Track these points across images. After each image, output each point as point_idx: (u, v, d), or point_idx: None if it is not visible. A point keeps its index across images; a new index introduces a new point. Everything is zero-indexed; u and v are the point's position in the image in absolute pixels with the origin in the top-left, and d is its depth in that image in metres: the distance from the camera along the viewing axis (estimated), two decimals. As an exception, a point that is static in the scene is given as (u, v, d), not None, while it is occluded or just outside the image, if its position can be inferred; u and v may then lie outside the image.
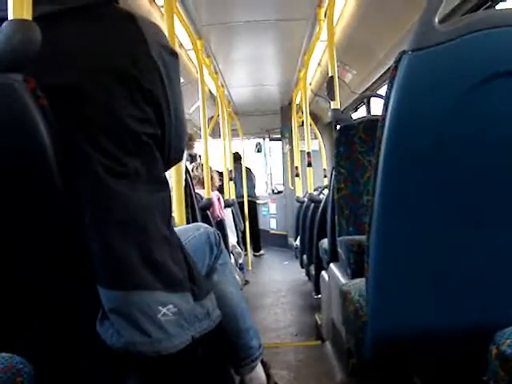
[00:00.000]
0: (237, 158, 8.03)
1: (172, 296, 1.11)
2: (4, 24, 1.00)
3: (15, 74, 0.97)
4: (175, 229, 1.38)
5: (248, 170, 8.40)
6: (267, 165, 10.07)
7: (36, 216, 1.04)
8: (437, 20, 1.07)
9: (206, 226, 1.80)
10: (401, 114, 1.10)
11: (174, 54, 1.22)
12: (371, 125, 2.45)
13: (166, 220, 1.18)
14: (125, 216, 1.08)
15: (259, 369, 1.94)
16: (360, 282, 1.52)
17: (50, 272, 1.07)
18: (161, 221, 1.15)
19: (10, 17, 1.02)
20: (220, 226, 4.05)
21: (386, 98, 1.12)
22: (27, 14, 1.03)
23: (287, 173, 8.86)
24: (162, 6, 3.51)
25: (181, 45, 4.84)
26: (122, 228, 1.08)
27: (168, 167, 1.37)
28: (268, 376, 2.00)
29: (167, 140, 1.24)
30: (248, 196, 7.87)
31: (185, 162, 3.11)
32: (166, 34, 2.45)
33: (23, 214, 1.03)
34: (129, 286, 1.07)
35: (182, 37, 4.53)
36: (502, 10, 1.74)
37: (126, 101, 1.08)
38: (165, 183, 1.21)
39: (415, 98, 1.10)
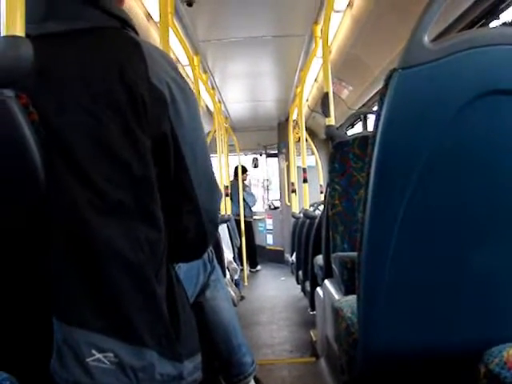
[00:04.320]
0: (239, 171, 8.08)
1: (117, 344, 1.02)
2: None
3: (7, 90, 0.97)
4: None
5: (245, 186, 8.44)
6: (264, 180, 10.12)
7: (16, 230, 1.04)
8: (427, 38, 1.08)
9: None
10: (391, 132, 1.11)
11: (185, 91, 1.15)
12: (366, 141, 2.44)
13: (152, 266, 1.07)
14: (84, 249, 1.01)
15: (253, 385, 1.94)
16: (352, 298, 1.51)
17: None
18: (140, 265, 1.05)
19: (3, 33, 1.02)
20: (215, 240, 4.04)
21: (377, 116, 1.13)
22: (20, 31, 1.03)
23: (284, 188, 8.86)
24: (160, 22, 3.54)
25: (177, 60, 4.86)
26: (77, 259, 1.01)
27: (205, 241, 1.25)
28: (261, 393, 2.00)
29: (197, 200, 1.16)
30: (244, 216, 7.86)
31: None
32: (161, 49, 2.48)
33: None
34: (66, 320, 1.01)
35: (178, 52, 4.55)
36: (492, 28, 1.75)
37: (118, 129, 1.03)
38: (159, 223, 1.09)
39: (405, 115, 1.10)
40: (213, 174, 1.26)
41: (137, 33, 1.17)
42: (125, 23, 1.15)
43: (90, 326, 1.00)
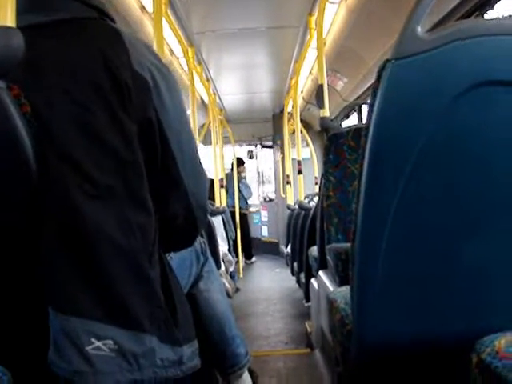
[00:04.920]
0: (239, 162, 8.13)
1: (116, 331, 1.01)
2: None
3: (-2, 80, 0.97)
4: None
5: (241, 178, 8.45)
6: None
7: (9, 222, 1.03)
8: (420, 29, 1.07)
9: None
10: (384, 123, 1.10)
11: (168, 79, 1.15)
12: (360, 133, 2.43)
13: (144, 251, 1.07)
14: (76, 236, 1.01)
15: (246, 377, 1.95)
16: (346, 289, 1.51)
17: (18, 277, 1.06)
18: (133, 250, 1.05)
19: (-7, 24, 1.01)
20: (209, 231, 4.04)
21: (370, 107, 1.13)
22: (11, 21, 1.02)
23: (279, 180, 8.86)
24: (154, 14, 3.52)
25: (172, 52, 4.84)
26: (69, 247, 1.01)
27: (195, 227, 1.27)
28: (255, 384, 2.01)
29: (185, 187, 1.18)
30: (240, 208, 7.87)
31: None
32: (155, 41, 2.47)
33: None
34: (62, 309, 1.00)
35: (173, 44, 4.53)
36: (486, 19, 1.75)
37: (105, 116, 1.03)
38: (149, 208, 1.10)
39: (398, 106, 1.10)
40: (199, 160, 1.27)
41: (114, 22, 1.19)
42: (102, 13, 1.17)
43: (87, 314, 1.00)
